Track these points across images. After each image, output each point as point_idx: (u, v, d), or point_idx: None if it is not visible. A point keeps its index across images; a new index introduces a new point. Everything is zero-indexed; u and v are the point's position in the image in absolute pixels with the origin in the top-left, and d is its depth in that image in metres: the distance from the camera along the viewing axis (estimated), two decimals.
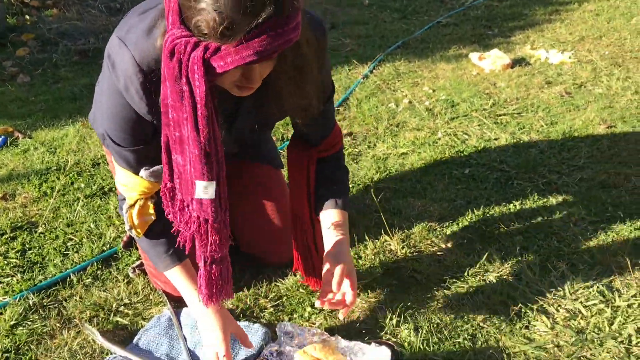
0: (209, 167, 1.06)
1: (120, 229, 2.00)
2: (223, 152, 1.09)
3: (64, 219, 2.07)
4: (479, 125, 2.66)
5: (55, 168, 2.42)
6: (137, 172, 1.31)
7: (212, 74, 0.97)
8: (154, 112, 1.18)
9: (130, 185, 1.33)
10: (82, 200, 2.18)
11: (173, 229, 1.18)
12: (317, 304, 1.37)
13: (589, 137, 2.49)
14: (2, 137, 2.68)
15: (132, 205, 1.35)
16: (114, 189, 2.25)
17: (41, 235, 2.00)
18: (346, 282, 1.39)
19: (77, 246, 1.93)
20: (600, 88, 2.99)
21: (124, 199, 1.37)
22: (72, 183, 2.30)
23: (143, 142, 1.27)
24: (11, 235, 1.99)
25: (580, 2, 4.54)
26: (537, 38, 3.83)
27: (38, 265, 1.85)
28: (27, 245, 1.94)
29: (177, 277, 1.43)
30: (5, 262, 1.85)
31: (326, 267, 1.41)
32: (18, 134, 2.73)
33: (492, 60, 3.32)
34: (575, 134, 2.52)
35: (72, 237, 1.97)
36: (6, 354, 1.50)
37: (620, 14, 4.18)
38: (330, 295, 1.39)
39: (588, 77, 3.13)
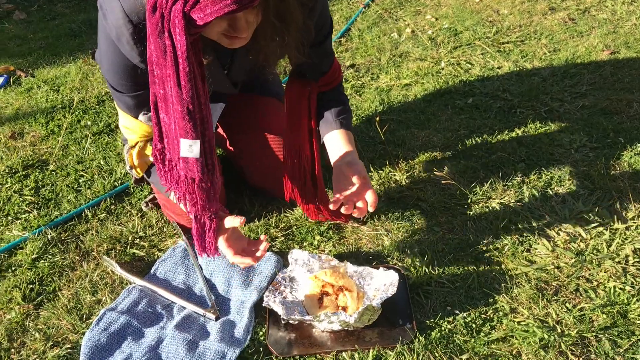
0: (193, 125, 1.07)
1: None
2: (209, 111, 1.10)
3: (73, 157, 2.11)
4: (482, 54, 2.65)
5: (60, 106, 2.44)
6: (136, 116, 1.35)
7: (194, 27, 0.97)
8: (146, 61, 1.18)
9: (132, 128, 1.37)
10: (90, 138, 2.21)
11: (166, 190, 1.21)
12: (343, 210, 1.41)
13: (591, 63, 2.49)
14: (5, 76, 2.68)
15: (133, 147, 1.40)
16: None
17: (53, 172, 2.04)
18: (366, 188, 1.44)
19: (89, 182, 1.97)
20: (605, 13, 2.95)
21: (126, 141, 1.40)
22: (79, 121, 2.32)
23: (141, 88, 1.29)
24: (23, 173, 2.04)
25: None
26: None
27: (52, 201, 1.90)
28: (40, 183, 1.99)
29: None
30: (21, 199, 1.90)
31: (341, 175, 1.46)
32: (20, 72, 2.73)
33: None
34: (578, 61, 2.51)
35: (83, 173, 2.02)
36: (31, 285, 1.56)
37: None
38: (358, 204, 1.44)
39: (592, 2, 3.08)
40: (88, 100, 2.46)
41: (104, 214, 1.82)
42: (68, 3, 3.55)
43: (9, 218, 1.83)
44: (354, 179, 1.43)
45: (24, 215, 1.83)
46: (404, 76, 2.51)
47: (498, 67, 2.52)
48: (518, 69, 2.49)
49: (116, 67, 1.28)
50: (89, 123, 2.30)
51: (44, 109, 2.42)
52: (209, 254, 1.27)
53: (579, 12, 2.99)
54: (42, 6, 3.50)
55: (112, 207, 1.85)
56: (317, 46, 1.44)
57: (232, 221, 1.25)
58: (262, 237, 1.33)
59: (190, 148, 1.09)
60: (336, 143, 1.55)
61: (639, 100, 2.20)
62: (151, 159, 1.39)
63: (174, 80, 1.03)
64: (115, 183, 1.96)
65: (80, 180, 1.98)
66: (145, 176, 1.74)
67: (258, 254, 1.31)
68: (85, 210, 1.82)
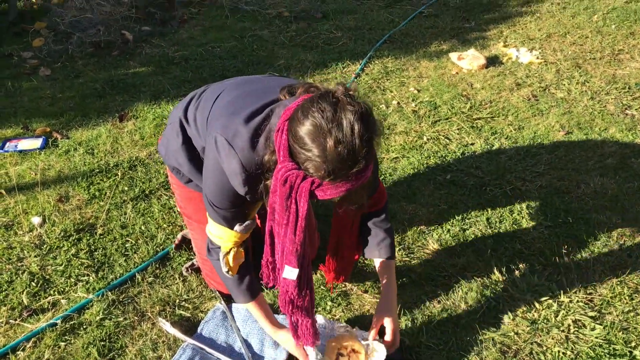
0: (297, 259, 1.47)
1: (167, 230, 2.43)
2: (309, 251, 1.50)
3: (117, 222, 2.50)
4: (458, 129, 3.12)
5: (97, 170, 2.82)
6: (231, 227, 1.70)
7: (313, 199, 1.39)
8: (250, 194, 1.57)
9: (225, 237, 1.72)
10: (129, 203, 2.59)
11: (275, 287, 1.63)
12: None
13: (549, 143, 2.98)
14: (43, 137, 3.05)
15: (228, 253, 1.74)
16: (154, 191, 2.67)
17: (101, 236, 2.42)
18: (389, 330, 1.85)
19: (134, 247, 2.36)
20: (562, 92, 3.45)
21: (218, 247, 1.76)
22: (117, 186, 2.71)
23: (239, 206, 1.67)
24: (76, 237, 2.41)
25: None
26: (509, 34, 4.26)
27: (106, 265, 2.28)
28: (92, 247, 2.37)
29: (254, 309, 1.86)
30: (80, 262, 2.28)
31: (377, 318, 1.86)
32: (56, 134, 3.09)
33: (469, 60, 3.75)
34: (538, 141, 3.00)
35: (128, 239, 2.40)
36: (102, 342, 1.95)
37: (584, 9, 4.62)
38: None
39: (552, 80, 3.59)
40: (121, 165, 2.85)
41: (151, 278, 2.21)
42: (88, 60, 3.91)
43: (72, 280, 2.21)
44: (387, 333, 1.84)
45: (84, 278, 2.21)
46: (392, 150, 2.95)
47: (471, 144, 2.99)
48: (488, 146, 2.96)
49: (221, 191, 1.63)
50: (126, 188, 2.69)
51: (82, 172, 2.80)
52: (303, 343, 1.70)
53: (541, 90, 3.49)
54: (65, 63, 3.85)
55: (157, 271, 2.24)
56: None
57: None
58: None
59: (291, 273, 1.49)
60: (381, 275, 1.94)
61: (585, 181, 2.68)
62: (243, 259, 1.76)
63: (291, 230, 1.43)
64: (157, 248, 2.35)
65: (127, 245, 2.37)
66: (184, 242, 2.21)
67: None
68: (136, 274, 2.21)
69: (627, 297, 2.07)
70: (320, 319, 1.96)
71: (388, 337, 1.84)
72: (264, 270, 1.60)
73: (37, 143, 3.01)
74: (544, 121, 3.17)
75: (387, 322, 1.84)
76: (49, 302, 2.11)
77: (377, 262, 1.97)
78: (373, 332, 1.85)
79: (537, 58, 3.84)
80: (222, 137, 1.56)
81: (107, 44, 4.05)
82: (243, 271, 1.78)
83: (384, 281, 1.93)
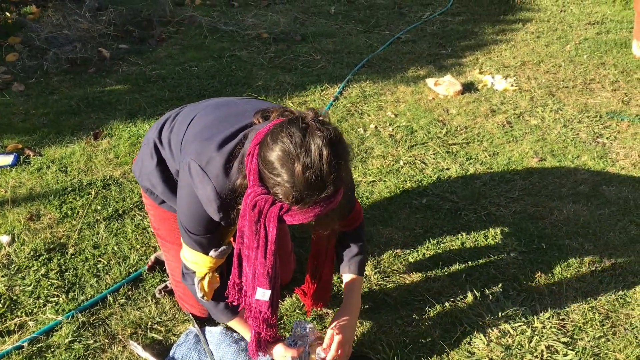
0: (269, 281, 1.49)
1: (140, 251, 2.40)
2: (279, 272, 1.50)
3: (89, 241, 2.45)
4: (434, 154, 3.14)
5: (70, 189, 2.77)
6: (206, 253, 1.69)
7: (282, 223, 1.39)
8: (224, 219, 1.57)
9: (200, 262, 1.70)
10: (102, 223, 2.55)
11: (239, 308, 1.63)
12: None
13: (524, 169, 3.02)
14: (15, 154, 2.99)
15: (203, 278, 1.72)
16: (127, 211, 2.63)
17: (73, 256, 2.37)
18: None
19: (106, 268, 2.32)
20: (536, 119, 3.51)
21: (193, 272, 1.74)
22: (90, 204, 2.66)
23: (213, 232, 1.66)
24: (47, 256, 2.36)
25: (523, 22, 5.07)
26: (485, 61, 4.33)
27: (77, 285, 2.23)
28: (63, 267, 2.32)
29: (237, 325, 1.86)
30: (49, 283, 2.23)
31: (329, 332, 1.81)
32: (29, 151, 3.03)
33: (446, 86, 3.80)
34: (512, 167, 3.04)
35: (100, 259, 2.36)
36: None
37: (557, 38, 4.73)
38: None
39: (526, 107, 3.65)
40: (95, 184, 2.80)
41: (123, 299, 2.17)
42: (63, 76, 3.86)
43: (41, 301, 2.15)
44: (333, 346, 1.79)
45: (54, 299, 2.16)
46: (370, 173, 2.96)
47: (447, 168, 3.01)
48: (463, 171, 2.99)
49: (196, 217, 1.63)
50: (99, 208, 2.64)
51: (55, 190, 2.75)
52: (255, 356, 1.70)
53: (515, 116, 3.55)
54: (40, 79, 3.79)
55: (129, 292, 2.20)
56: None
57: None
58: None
59: (263, 294, 1.51)
60: (345, 290, 1.92)
61: (558, 207, 2.72)
62: (218, 284, 1.74)
63: (261, 253, 1.44)
64: (130, 270, 2.31)
65: (99, 266, 2.32)
66: (158, 264, 2.19)
67: None
68: (108, 296, 2.17)
69: (598, 323, 2.09)
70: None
71: (331, 352, 1.77)
72: (230, 291, 1.60)
73: (8, 160, 2.96)
74: (518, 148, 3.22)
75: (336, 337, 1.78)
76: (15, 324, 2.05)
77: (345, 278, 1.95)
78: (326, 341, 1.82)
79: (512, 85, 3.91)
80: (196, 164, 1.56)
81: (84, 60, 4.02)
82: (219, 295, 1.76)
83: (346, 296, 1.92)
